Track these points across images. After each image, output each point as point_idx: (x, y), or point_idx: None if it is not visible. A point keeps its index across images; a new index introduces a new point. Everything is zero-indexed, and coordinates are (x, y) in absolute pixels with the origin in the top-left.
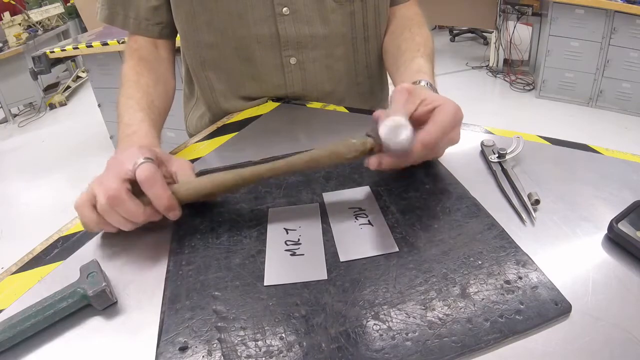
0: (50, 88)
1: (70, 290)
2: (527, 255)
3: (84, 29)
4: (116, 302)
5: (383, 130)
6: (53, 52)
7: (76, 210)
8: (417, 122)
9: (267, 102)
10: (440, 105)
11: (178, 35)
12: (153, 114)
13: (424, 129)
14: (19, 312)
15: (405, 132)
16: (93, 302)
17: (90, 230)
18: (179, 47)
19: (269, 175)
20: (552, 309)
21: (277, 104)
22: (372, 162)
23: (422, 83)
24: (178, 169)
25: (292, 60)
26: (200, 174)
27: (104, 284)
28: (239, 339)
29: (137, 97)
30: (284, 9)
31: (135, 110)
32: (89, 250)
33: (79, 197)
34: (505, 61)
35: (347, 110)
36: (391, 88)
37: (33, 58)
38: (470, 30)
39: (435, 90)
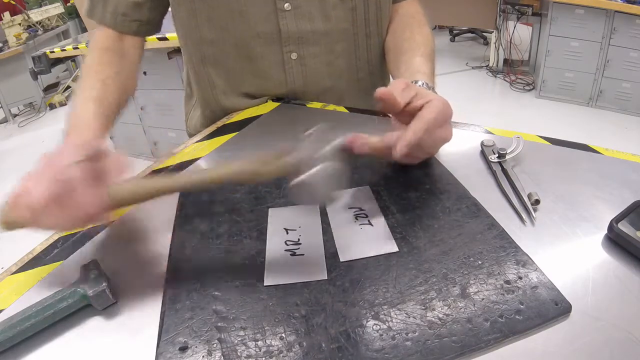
0: (50, 88)
1: (70, 290)
2: (527, 255)
3: (84, 29)
4: (116, 302)
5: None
6: (53, 52)
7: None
8: (409, 114)
9: (267, 102)
10: (428, 102)
11: (176, 34)
12: (104, 107)
13: (409, 127)
14: (19, 312)
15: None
16: (93, 302)
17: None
18: (179, 48)
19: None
20: (552, 309)
21: (277, 104)
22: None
23: (419, 83)
24: (112, 167)
25: (293, 56)
26: None
27: (104, 284)
28: (239, 339)
29: (93, 88)
30: (286, 4)
31: (87, 101)
32: (89, 250)
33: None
34: (505, 61)
35: (347, 110)
36: None
37: (33, 58)
38: (470, 30)
39: (433, 91)
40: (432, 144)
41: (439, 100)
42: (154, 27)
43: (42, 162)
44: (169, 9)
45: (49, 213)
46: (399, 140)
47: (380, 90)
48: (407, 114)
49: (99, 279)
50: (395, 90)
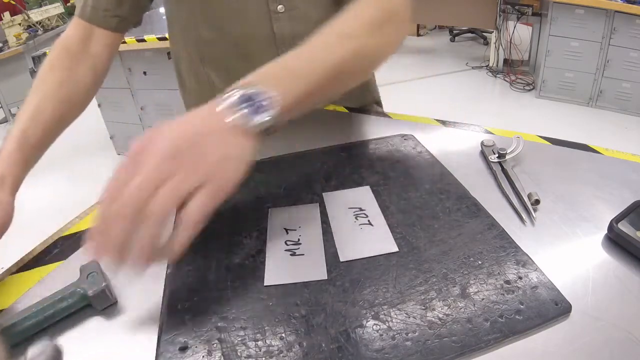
0: None
1: (70, 290)
2: (527, 255)
3: None
4: (116, 302)
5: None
6: None
7: None
8: None
9: None
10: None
11: (169, 33)
12: (33, 127)
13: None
14: (19, 312)
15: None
16: (93, 302)
17: None
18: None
19: None
20: (552, 309)
21: None
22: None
23: (229, 94)
24: None
25: None
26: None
27: (103, 284)
28: (239, 339)
29: (30, 103)
30: (279, 6)
31: (18, 120)
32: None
33: None
34: (505, 61)
35: (346, 110)
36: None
37: (33, 58)
38: (470, 30)
39: (239, 103)
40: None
41: (155, 136)
42: (134, 23)
43: None
44: (161, 8)
45: None
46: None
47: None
48: None
49: (99, 279)
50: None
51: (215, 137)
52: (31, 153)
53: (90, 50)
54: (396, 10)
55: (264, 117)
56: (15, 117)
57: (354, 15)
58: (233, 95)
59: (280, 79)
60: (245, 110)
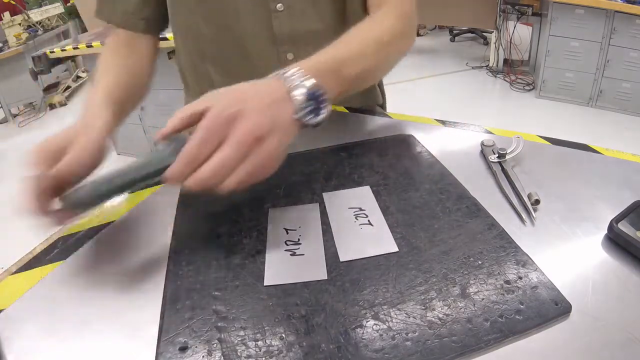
0: (50, 88)
1: (155, 157)
2: (527, 255)
3: (84, 29)
4: None
5: None
6: (53, 52)
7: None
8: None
9: None
10: (207, 110)
11: (172, 32)
12: (115, 94)
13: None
14: (104, 175)
15: None
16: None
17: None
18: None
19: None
20: (552, 309)
21: None
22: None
23: (283, 71)
24: (67, 157)
25: (289, 56)
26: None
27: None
28: (239, 339)
29: (105, 79)
30: (278, 5)
31: (97, 92)
32: (89, 250)
33: None
34: (505, 61)
35: (346, 110)
36: (390, 87)
37: (33, 58)
38: (470, 30)
39: (302, 83)
40: (211, 165)
41: (215, 103)
42: (164, 23)
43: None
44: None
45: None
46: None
47: (159, 134)
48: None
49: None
50: (172, 121)
51: (284, 131)
52: (118, 111)
53: (137, 49)
54: (412, 23)
55: (321, 116)
56: (93, 85)
57: (382, 23)
58: (300, 88)
59: (331, 79)
60: (309, 109)
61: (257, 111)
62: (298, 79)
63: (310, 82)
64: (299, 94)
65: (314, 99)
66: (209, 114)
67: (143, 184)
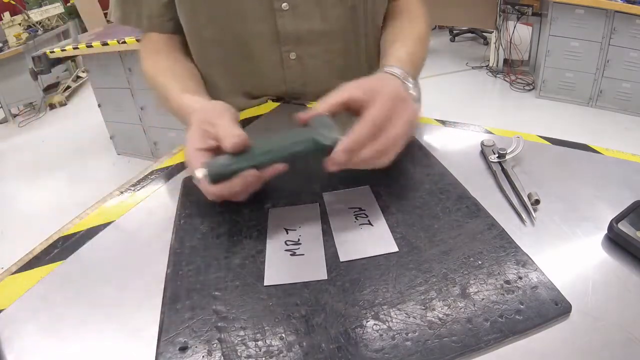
0: (50, 88)
1: (306, 135)
2: (527, 255)
3: (84, 29)
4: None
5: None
6: (53, 52)
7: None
8: (353, 109)
9: (266, 102)
10: (372, 99)
11: None
12: (189, 82)
13: (350, 132)
14: (259, 143)
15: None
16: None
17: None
18: None
19: None
20: (552, 309)
21: (277, 104)
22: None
23: (389, 69)
24: (218, 129)
25: (292, 56)
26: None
27: (336, 136)
28: (239, 339)
29: (168, 80)
30: (283, 4)
31: (173, 88)
32: (89, 250)
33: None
34: (505, 61)
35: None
36: None
37: (33, 58)
38: (470, 30)
39: (406, 76)
40: (383, 143)
41: (385, 89)
42: None
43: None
44: None
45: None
46: (339, 145)
47: (300, 116)
48: (355, 112)
49: (332, 129)
50: (324, 100)
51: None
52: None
53: (176, 48)
54: (430, 29)
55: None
56: (164, 93)
57: (421, 27)
58: (411, 88)
59: (414, 76)
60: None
61: (410, 101)
62: (402, 77)
63: (411, 81)
64: (411, 89)
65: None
66: (379, 103)
67: (281, 161)
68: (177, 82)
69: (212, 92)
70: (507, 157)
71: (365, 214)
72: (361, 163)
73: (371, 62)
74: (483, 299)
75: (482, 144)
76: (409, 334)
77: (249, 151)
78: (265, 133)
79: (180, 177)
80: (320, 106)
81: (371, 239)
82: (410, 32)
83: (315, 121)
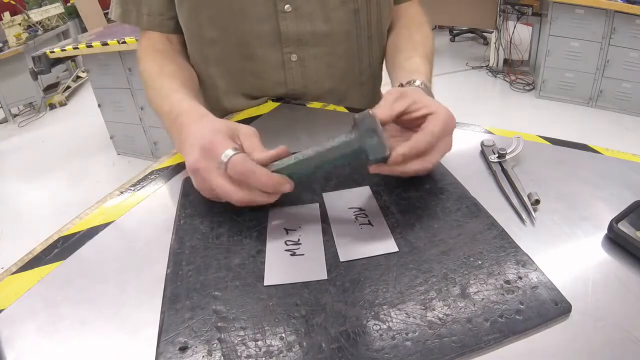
0: (50, 88)
1: (345, 140)
2: (527, 255)
3: (84, 29)
4: (389, 155)
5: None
6: (53, 52)
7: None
8: (406, 124)
9: (267, 102)
10: (433, 113)
11: None
12: (188, 90)
13: (412, 138)
14: (292, 157)
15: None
16: (369, 153)
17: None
18: None
19: None
20: (552, 309)
21: (277, 104)
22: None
23: (417, 83)
24: (244, 140)
25: (293, 57)
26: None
27: (387, 153)
28: (239, 339)
29: (166, 84)
30: (286, 5)
31: (170, 95)
32: (89, 250)
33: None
34: (505, 61)
35: (347, 110)
36: (387, 88)
37: (33, 58)
38: (470, 30)
39: (429, 92)
40: (431, 159)
41: (443, 112)
42: None
43: (192, 167)
44: None
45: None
46: (397, 148)
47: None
48: (405, 124)
49: (381, 144)
50: (386, 103)
51: None
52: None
53: (175, 47)
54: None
55: None
56: (161, 99)
57: (429, 40)
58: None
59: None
60: None
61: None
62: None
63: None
64: None
65: None
66: (438, 122)
67: (332, 166)
68: (184, 87)
69: (212, 92)
70: (507, 157)
71: (365, 214)
72: (402, 173)
73: (374, 66)
74: (483, 299)
75: (482, 144)
76: (409, 334)
77: (297, 159)
78: (265, 133)
79: (180, 177)
80: (382, 113)
81: (371, 239)
82: (424, 45)
83: (365, 123)
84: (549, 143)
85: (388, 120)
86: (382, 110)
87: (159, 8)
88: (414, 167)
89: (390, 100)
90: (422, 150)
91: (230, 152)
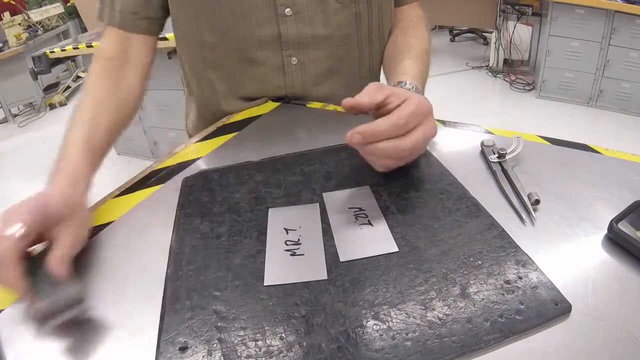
0: (50, 88)
1: None
2: (527, 255)
3: (84, 29)
4: None
5: None
6: (53, 52)
7: None
8: (385, 114)
9: (267, 102)
10: (403, 101)
11: (174, 36)
12: (94, 132)
13: (375, 121)
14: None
15: None
16: None
17: None
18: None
19: None
20: (552, 309)
21: (277, 104)
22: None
23: (407, 85)
24: (59, 240)
25: (293, 60)
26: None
27: None
28: (239, 339)
29: (85, 112)
30: (287, 9)
31: (77, 128)
32: (89, 250)
33: None
34: (505, 61)
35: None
36: None
37: (33, 58)
38: (470, 30)
39: (419, 92)
40: (408, 139)
41: (413, 98)
42: (162, 25)
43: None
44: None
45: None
46: (359, 128)
47: (346, 101)
48: (385, 115)
49: None
50: (365, 94)
51: None
52: (97, 157)
53: (131, 57)
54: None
55: None
56: (70, 126)
57: (424, 42)
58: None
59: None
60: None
61: (432, 117)
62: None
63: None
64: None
65: None
66: (406, 108)
67: None
68: (89, 129)
69: (210, 95)
70: (507, 157)
71: (365, 214)
72: (377, 152)
73: (374, 70)
74: (483, 299)
75: (482, 144)
76: (409, 334)
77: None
78: (265, 133)
79: (180, 177)
80: (363, 99)
81: (371, 239)
82: (417, 47)
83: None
84: (549, 143)
85: (368, 106)
86: (363, 97)
87: (134, 6)
88: (383, 145)
89: (371, 90)
90: (386, 132)
91: (14, 229)
